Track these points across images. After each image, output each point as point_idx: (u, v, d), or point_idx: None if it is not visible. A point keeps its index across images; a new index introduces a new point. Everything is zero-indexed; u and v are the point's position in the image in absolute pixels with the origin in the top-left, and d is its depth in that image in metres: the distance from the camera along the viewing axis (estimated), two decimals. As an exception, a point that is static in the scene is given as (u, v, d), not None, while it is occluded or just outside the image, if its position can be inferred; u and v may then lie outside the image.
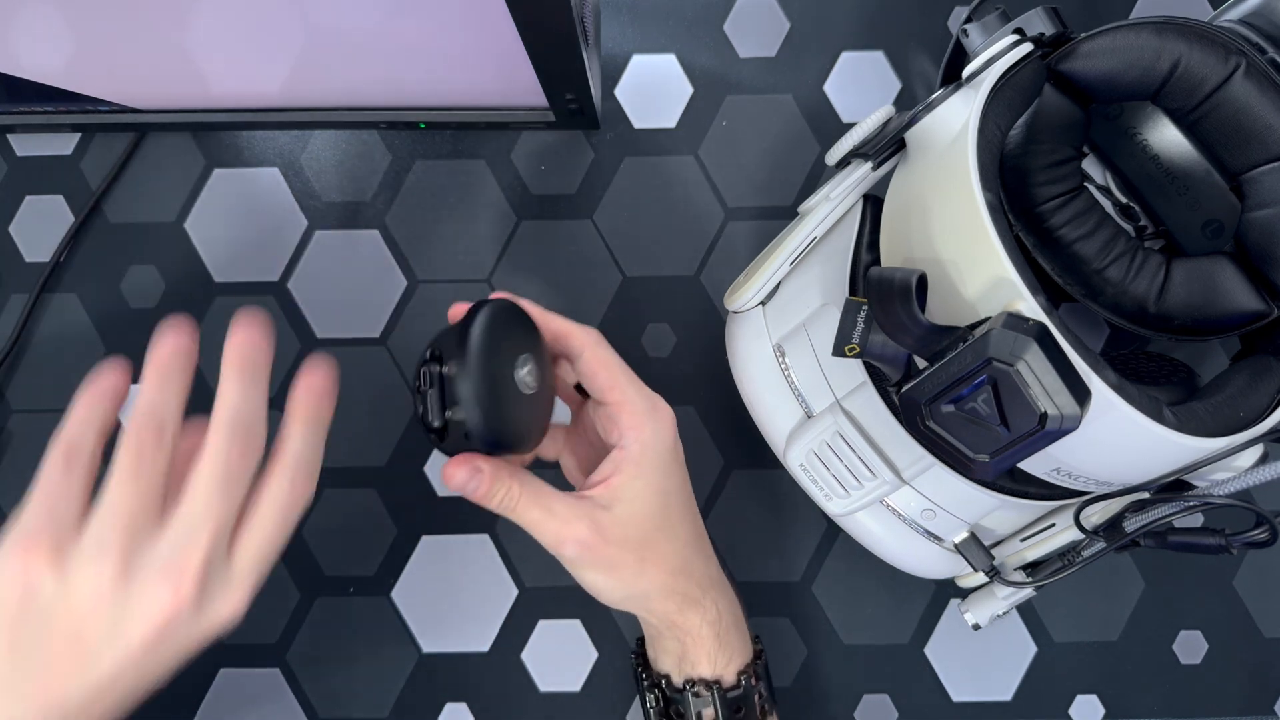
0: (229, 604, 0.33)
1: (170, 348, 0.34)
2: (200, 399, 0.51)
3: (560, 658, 0.51)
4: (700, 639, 0.40)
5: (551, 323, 0.39)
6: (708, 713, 0.40)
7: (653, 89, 0.51)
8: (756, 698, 0.41)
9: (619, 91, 0.51)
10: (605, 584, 0.38)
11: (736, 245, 0.51)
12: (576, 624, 0.51)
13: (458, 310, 0.37)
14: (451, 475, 0.35)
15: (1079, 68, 0.37)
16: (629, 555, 0.38)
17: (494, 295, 0.38)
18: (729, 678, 0.41)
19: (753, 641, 0.43)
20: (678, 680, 0.41)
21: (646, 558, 0.38)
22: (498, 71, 0.43)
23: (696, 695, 0.40)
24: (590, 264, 0.51)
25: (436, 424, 0.35)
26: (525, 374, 0.36)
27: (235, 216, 0.52)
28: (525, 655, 0.51)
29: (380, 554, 0.51)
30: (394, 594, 0.51)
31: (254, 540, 0.33)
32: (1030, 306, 0.30)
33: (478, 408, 0.33)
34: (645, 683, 0.42)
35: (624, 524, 0.37)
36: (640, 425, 0.38)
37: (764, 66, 0.51)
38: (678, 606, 0.40)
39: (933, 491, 0.39)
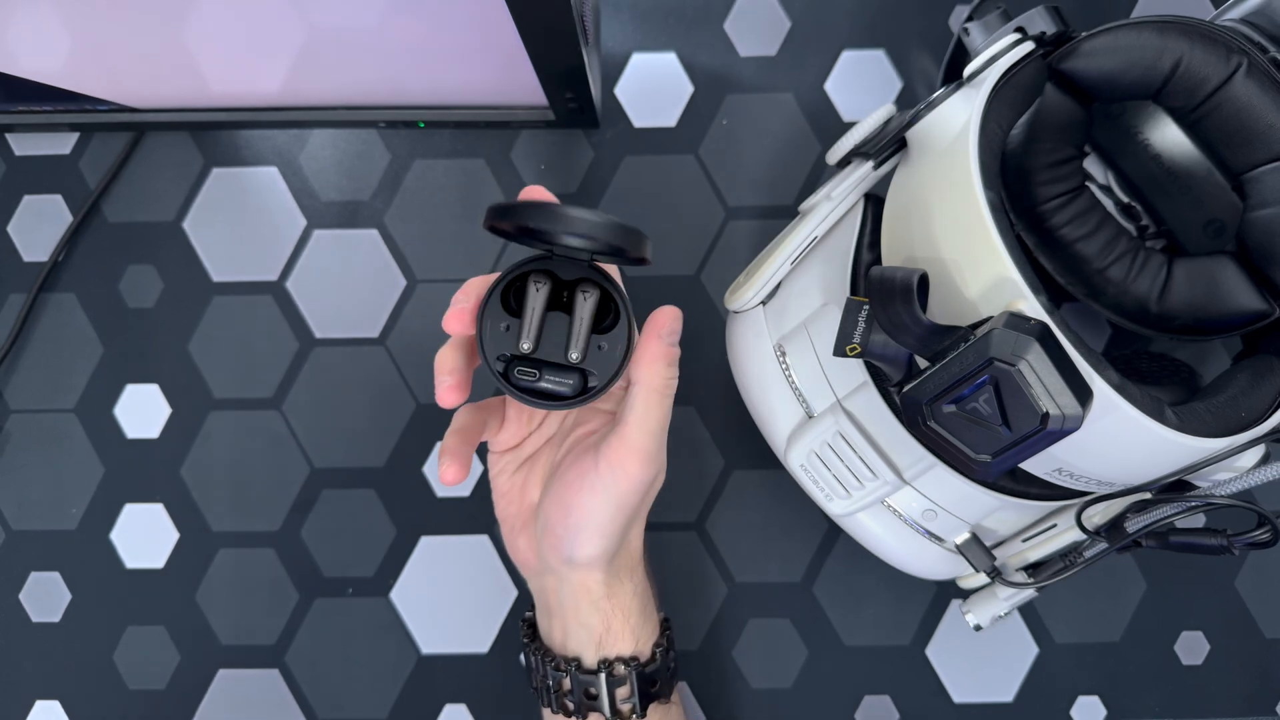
0: None
1: None
2: (199, 397, 0.51)
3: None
4: (628, 613, 0.38)
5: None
6: (621, 692, 0.38)
7: (653, 88, 0.51)
8: (667, 670, 0.39)
9: (619, 90, 0.51)
10: (628, 535, 0.38)
11: (737, 245, 0.51)
12: (576, 625, 0.51)
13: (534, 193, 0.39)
14: (665, 319, 0.36)
15: (1080, 67, 0.37)
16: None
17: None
18: (646, 652, 0.39)
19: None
20: (591, 661, 0.38)
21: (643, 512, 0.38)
22: (497, 70, 0.43)
23: (613, 675, 0.37)
24: (590, 264, 0.51)
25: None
26: None
27: (233, 216, 0.52)
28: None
29: (379, 555, 0.51)
30: (393, 595, 0.51)
31: None
32: (1032, 306, 0.30)
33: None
34: (550, 666, 0.38)
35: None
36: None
37: (765, 65, 0.51)
38: (628, 570, 0.38)
39: (934, 492, 0.39)
